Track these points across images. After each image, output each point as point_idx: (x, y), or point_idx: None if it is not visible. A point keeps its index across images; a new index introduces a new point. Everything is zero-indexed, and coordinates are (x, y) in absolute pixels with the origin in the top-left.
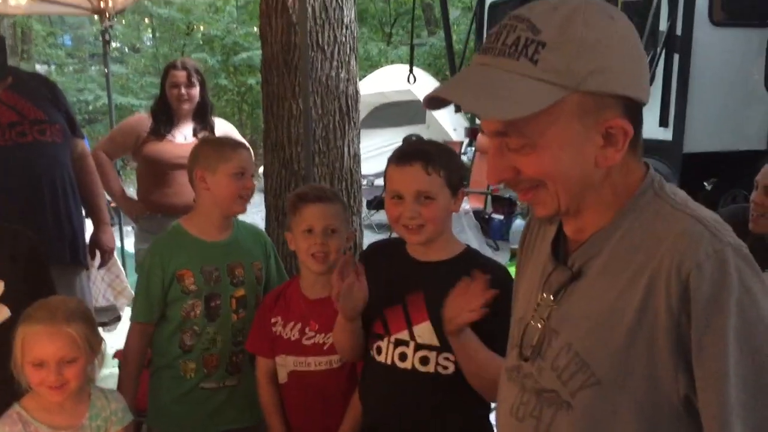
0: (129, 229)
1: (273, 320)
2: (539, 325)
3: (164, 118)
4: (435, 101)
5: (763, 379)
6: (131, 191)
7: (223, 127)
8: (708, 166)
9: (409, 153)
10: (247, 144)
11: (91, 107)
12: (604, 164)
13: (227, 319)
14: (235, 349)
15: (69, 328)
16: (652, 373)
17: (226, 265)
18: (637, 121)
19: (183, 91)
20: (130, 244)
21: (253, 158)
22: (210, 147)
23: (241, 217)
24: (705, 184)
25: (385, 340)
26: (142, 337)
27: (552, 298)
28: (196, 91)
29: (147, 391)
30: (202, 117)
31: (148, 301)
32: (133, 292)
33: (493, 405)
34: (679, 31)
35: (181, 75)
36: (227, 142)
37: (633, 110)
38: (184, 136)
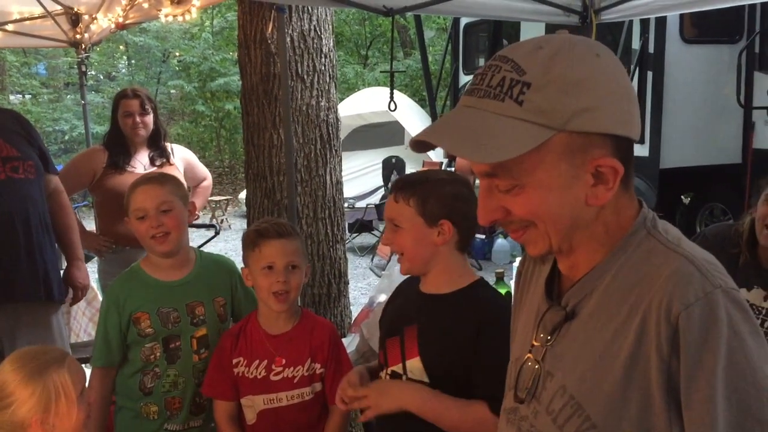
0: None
1: (235, 361)
2: (535, 367)
3: (120, 149)
4: (421, 144)
5: (748, 423)
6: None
7: (181, 153)
8: (685, 180)
9: (395, 183)
10: (205, 173)
11: (67, 137)
12: (594, 203)
13: (188, 361)
14: (198, 390)
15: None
16: (646, 417)
17: (185, 305)
18: (627, 159)
19: (138, 119)
20: None
21: (222, 183)
22: (126, 191)
23: (223, 245)
24: (682, 198)
25: (384, 371)
26: (103, 381)
27: (547, 339)
28: (149, 118)
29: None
30: (156, 144)
31: (107, 345)
32: None
33: None
34: (651, 49)
35: (134, 103)
36: (131, 185)
37: (623, 147)
38: (143, 165)
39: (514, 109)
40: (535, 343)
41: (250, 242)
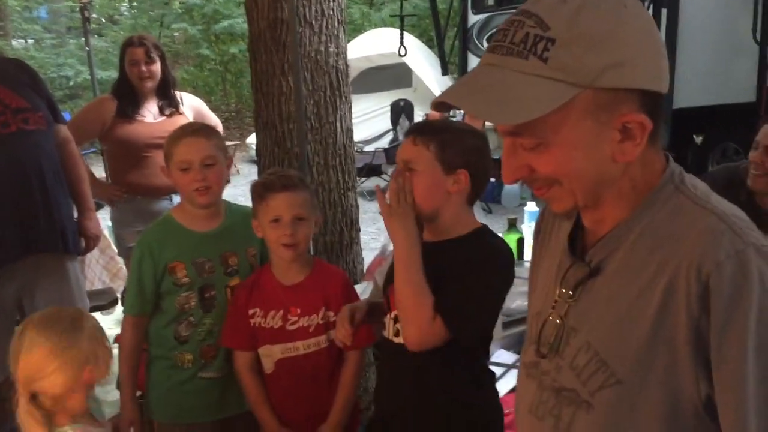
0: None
1: (251, 312)
2: (557, 322)
3: (129, 98)
4: (443, 104)
5: None
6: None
7: (190, 102)
8: (697, 120)
9: (413, 126)
10: (216, 122)
11: (71, 82)
12: (621, 159)
13: (223, 309)
14: None
15: (84, 343)
16: (673, 373)
17: (219, 256)
18: (656, 113)
19: (143, 68)
20: None
21: (224, 129)
22: (167, 140)
23: (232, 191)
24: (695, 138)
25: (388, 316)
26: (135, 329)
27: (570, 294)
28: (157, 66)
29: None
30: (165, 93)
31: (141, 294)
32: (127, 273)
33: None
34: None
35: (140, 52)
36: (174, 134)
37: (651, 102)
38: (152, 114)
39: (539, 66)
40: (558, 299)
41: (257, 195)
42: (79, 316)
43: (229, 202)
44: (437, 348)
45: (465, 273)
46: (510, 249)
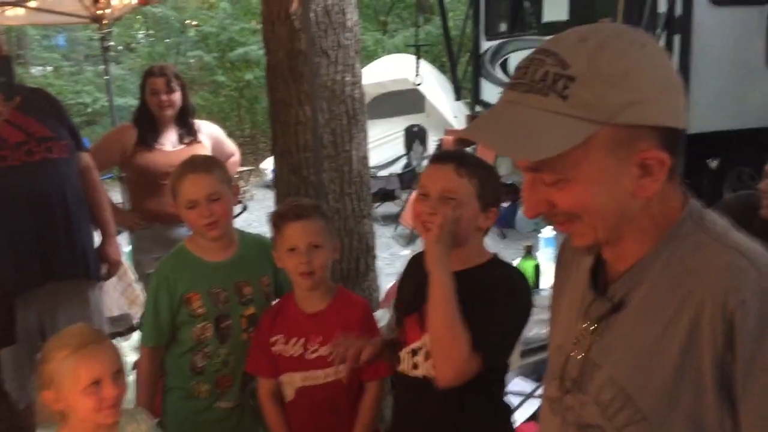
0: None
1: (273, 339)
2: (580, 357)
3: (149, 126)
4: (465, 141)
5: None
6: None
7: (208, 130)
8: (711, 145)
9: (446, 154)
10: (233, 149)
11: (89, 109)
12: (641, 195)
13: (238, 339)
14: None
15: (109, 342)
16: (698, 410)
17: (233, 285)
18: (675, 149)
19: (164, 97)
20: None
21: (240, 157)
22: (172, 176)
23: (247, 217)
24: (709, 163)
25: (403, 350)
26: (152, 360)
27: (593, 329)
28: (177, 96)
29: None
30: (184, 121)
31: (157, 325)
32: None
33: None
34: (679, 12)
35: (160, 81)
36: (177, 172)
37: (670, 138)
38: (171, 143)
39: (559, 104)
40: (581, 334)
41: (273, 226)
42: (79, 347)
43: (242, 231)
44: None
45: (493, 303)
46: (525, 277)
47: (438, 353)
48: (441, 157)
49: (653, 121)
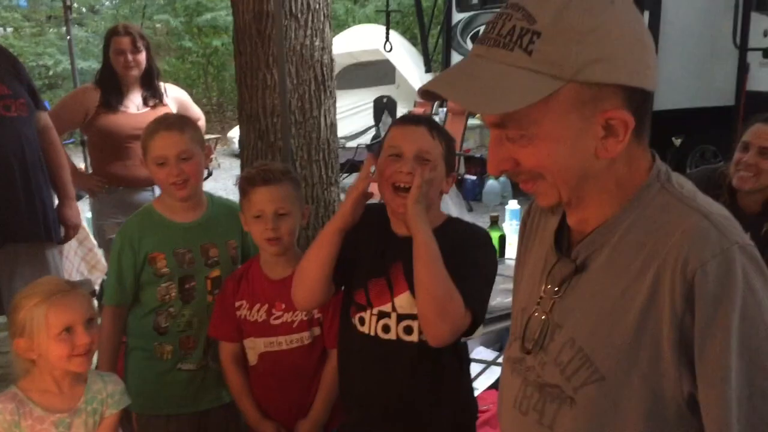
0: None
1: (237, 304)
2: (542, 318)
3: (113, 88)
4: (430, 93)
5: (763, 382)
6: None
7: (174, 93)
8: (677, 122)
9: (417, 117)
10: (198, 114)
11: (51, 72)
12: (604, 156)
13: (202, 301)
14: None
15: (82, 291)
16: (656, 370)
17: (200, 246)
18: (642, 111)
19: (129, 57)
20: None
21: (206, 122)
22: (143, 134)
23: (213, 185)
24: (673, 140)
25: (368, 311)
26: (114, 320)
27: (555, 291)
28: (142, 56)
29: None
30: (149, 83)
31: (120, 284)
32: (106, 265)
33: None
34: None
35: (126, 41)
36: (149, 128)
37: (637, 99)
38: (136, 105)
39: (524, 59)
40: (543, 295)
41: (241, 190)
42: (49, 296)
43: (211, 194)
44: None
45: (468, 258)
46: (485, 231)
47: (434, 313)
48: (412, 119)
49: (618, 80)
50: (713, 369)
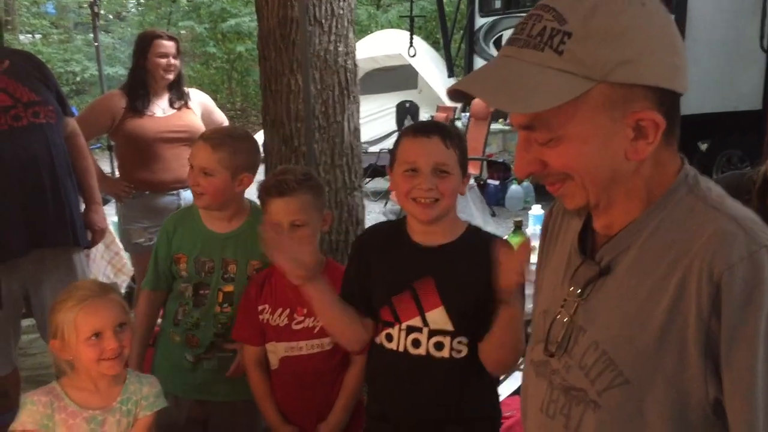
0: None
1: (260, 308)
2: (565, 320)
3: (140, 93)
4: (458, 93)
5: None
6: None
7: (198, 98)
8: (703, 127)
9: (428, 126)
10: (222, 119)
11: (78, 78)
12: (634, 157)
13: (211, 310)
14: (215, 339)
15: (115, 296)
16: (681, 374)
17: (222, 259)
18: (671, 112)
19: (173, 61)
20: None
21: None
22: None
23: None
24: (699, 145)
25: (396, 327)
26: (148, 303)
27: (579, 293)
28: (179, 62)
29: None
30: (178, 88)
31: (155, 271)
32: (132, 269)
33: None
34: None
35: (171, 45)
36: (201, 133)
37: (667, 101)
38: (162, 109)
39: (554, 59)
40: (567, 298)
41: (259, 198)
42: (83, 300)
43: (257, 209)
44: (460, 357)
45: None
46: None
47: (504, 366)
48: (423, 129)
49: (648, 81)
50: (740, 375)
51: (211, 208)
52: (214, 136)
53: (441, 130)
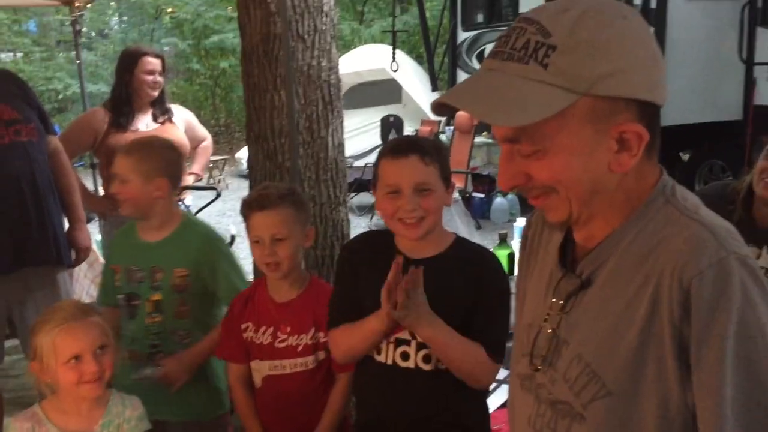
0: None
1: (244, 326)
2: (549, 333)
3: (124, 108)
4: (442, 107)
5: (760, 394)
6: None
7: (181, 114)
8: (684, 137)
9: (404, 145)
10: (205, 134)
11: (60, 96)
12: (618, 169)
13: (142, 321)
14: (151, 351)
15: (96, 318)
16: (661, 383)
17: (149, 268)
18: (653, 125)
19: (159, 78)
20: None
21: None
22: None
23: (221, 206)
24: (681, 155)
25: (384, 342)
26: (108, 319)
27: (561, 306)
28: (163, 79)
29: None
30: (161, 103)
31: (104, 286)
32: None
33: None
34: (653, 4)
35: (157, 63)
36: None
37: (649, 113)
38: (145, 124)
39: (539, 72)
40: (550, 311)
41: (241, 213)
42: (61, 323)
43: (189, 218)
44: (450, 371)
45: (487, 302)
46: (492, 253)
47: (467, 377)
48: (400, 149)
49: (631, 94)
50: (708, 379)
51: (134, 216)
52: (128, 145)
53: (418, 147)
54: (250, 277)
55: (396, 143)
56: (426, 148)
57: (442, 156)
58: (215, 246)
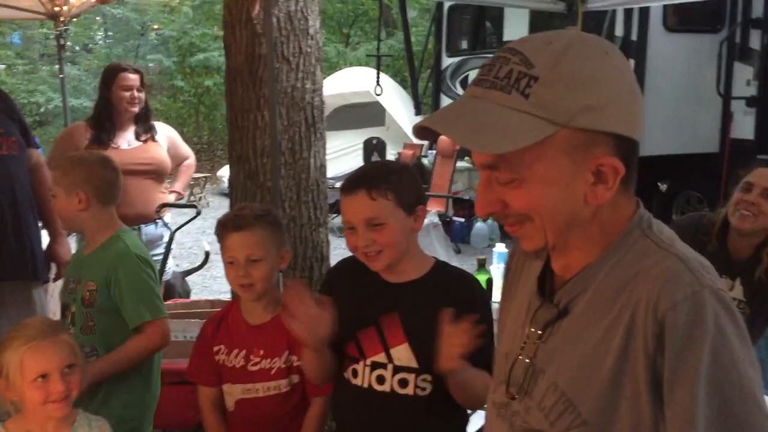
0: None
1: (216, 348)
2: (526, 362)
3: (106, 125)
4: (424, 131)
5: (733, 425)
6: None
7: (164, 131)
8: (662, 168)
9: (353, 181)
10: (188, 152)
11: (42, 109)
12: (593, 202)
13: (78, 330)
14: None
15: (65, 336)
16: (636, 414)
17: (76, 279)
18: (630, 159)
19: (136, 94)
20: None
21: (198, 160)
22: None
23: (201, 224)
24: (659, 185)
25: (361, 363)
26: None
27: (539, 335)
28: (143, 94)
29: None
30: (145, 121)
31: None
32: None
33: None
34: (634, 37)
35: (135, 78)
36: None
37: (626, 147)
38: (127, 141)
39: (520, 101)
40: (527, 340)
41: (216, 233)
42: (30, 339)
43: (120, 234)
44: (425, 395)
45: (482, 317)
46: (472, 276)
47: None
48: (349, 186)
49: (609, 128)
50: (681, 411)
51: (66, 228)
52: (56, 160)
53: (365, 182)
54: (227, 297)
55: (348, 179)
56: (374, 182)
57: (400, 184)
58: (129, 267)
